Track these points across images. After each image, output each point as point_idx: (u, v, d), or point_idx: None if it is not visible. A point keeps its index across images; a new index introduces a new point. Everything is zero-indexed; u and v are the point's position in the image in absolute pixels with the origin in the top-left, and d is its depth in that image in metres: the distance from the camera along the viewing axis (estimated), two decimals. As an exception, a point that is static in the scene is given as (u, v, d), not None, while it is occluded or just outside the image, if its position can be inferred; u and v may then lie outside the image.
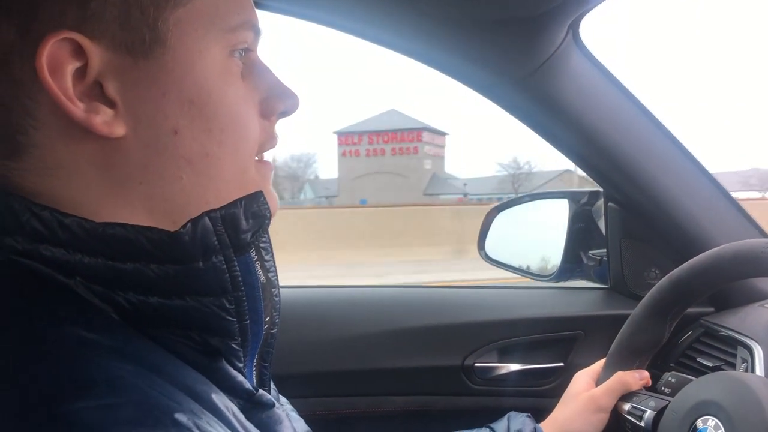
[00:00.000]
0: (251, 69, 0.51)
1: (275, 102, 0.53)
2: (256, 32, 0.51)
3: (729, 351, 0.97)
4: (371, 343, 1.17)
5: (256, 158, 0.52)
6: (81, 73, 0.43)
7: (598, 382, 0.91)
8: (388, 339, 1.18)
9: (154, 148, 0.45)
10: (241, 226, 0.47)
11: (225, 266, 0.46)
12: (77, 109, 0.43)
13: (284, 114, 0.54)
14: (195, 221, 0.45)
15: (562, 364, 1.19)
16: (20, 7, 0.42)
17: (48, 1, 0.42)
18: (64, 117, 0.43)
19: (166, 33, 0.45)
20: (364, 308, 1.24)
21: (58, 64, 0.42)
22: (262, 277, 0.52)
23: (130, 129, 0.45)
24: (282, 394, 0.73)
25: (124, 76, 0.44)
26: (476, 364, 1.18)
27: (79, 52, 0.43)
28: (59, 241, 0.43)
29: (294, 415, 0.72)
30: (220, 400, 0.45)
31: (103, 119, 0.44)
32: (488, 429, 0.89)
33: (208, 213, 0.45)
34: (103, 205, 0.45)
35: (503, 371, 1.19)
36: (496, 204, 1.44)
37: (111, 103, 0.44)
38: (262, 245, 0.53)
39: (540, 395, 1.18)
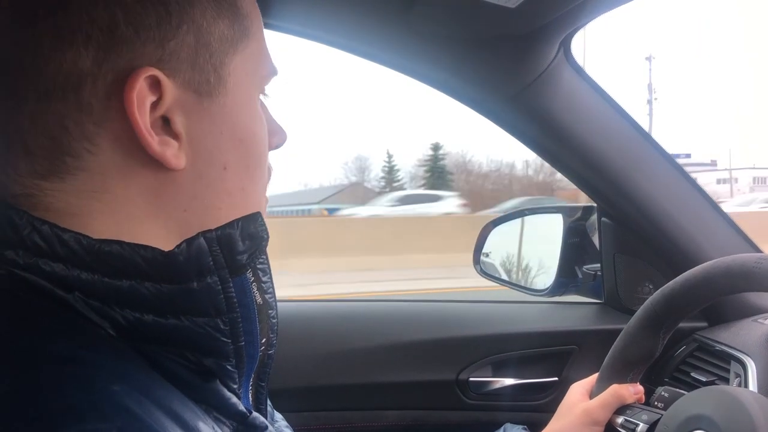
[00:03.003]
0: (263, 109, 0.55)
1: (273, 137, 0.57)
2: (276, 74, 0.55)
3: (722, 366, 0.98)
4: (365, 358, 1.17)
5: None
6: (153, 107, 0.45)
7: (592, 394, 0.91)
8: (383, 353, 1.18)
9: (205, 181, 0.48)
10: (237, 247, 0.47)
11: (220, 287, 0.46)
12: (153, 141, 0.45)
13: (275, 148, 0.58)
14: (190, 241, 0.45)
15: (556, 378, 1.19)
16: (100, 37, 0.43)
17: (132, 35, 0.43)
18: (127, 146, 0.44)
19: (227, 76, 0.48)
20: (358, 322, 1.24)
21: (142, 98, 0.44)
22: (259, 299, 0.52)
23: (189, 162, 0.47)
24: (276, 408, 0.73)
25: (189, 113, 0.47)
26: (471, 379, 1.18)
27: (155, 87, 0.44)
28: (58, 256, 0.43)
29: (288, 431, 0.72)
30: (207, 427, 0.44)
31: (173, 152, 0.46)
32: None
33: (204, 233, 0.46)
34: (138, 230, 0.46)
35: (498, 386, 1.19)
36: (492, 219, 1.45)
37: (175, 137, 0.46)
38: (259, 266, 0.52)
39: (535, 410, 1.18)
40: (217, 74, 0.47)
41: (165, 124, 0.46)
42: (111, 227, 0.45)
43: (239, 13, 0.49)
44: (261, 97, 0.55)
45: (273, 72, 0.54)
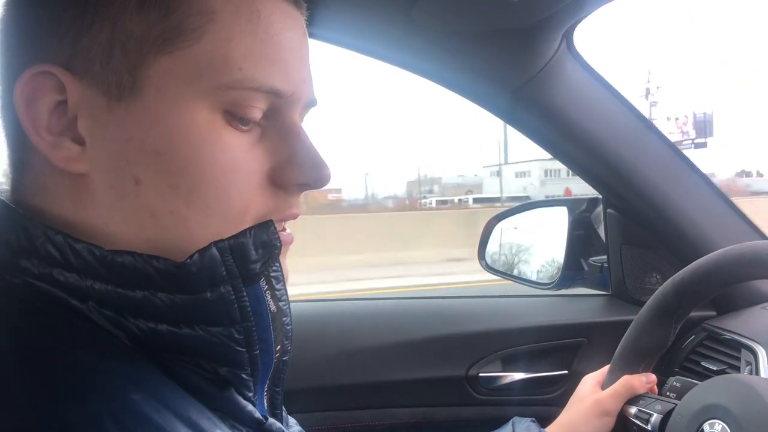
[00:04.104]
0: (271, 133, 0.48)
1: (293, 171, 0.49)
2: (275, 94, 0.47)
3: (733, 354, 0.97)
4: (375, 356, 1.17)
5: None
6: (59, 107, 0.44)
7: (604, 386, 0.91)
8: (392, 351, 1.17)
9: (117, 193, 0.45)
10: (250, 256, 0.46)
11: (233, 296, 0.45)
12: (41, 140, 0.44)
13: (306, 186, 0.50)
14: (202, 252, 0.44)
15: (566, 371, 1.19)
16: (29, 36, 0.44)
17: (46, 33, 0.43)
18: None
19: (144, 79, 0.43)
20: (366, 321, 1.24)
21: (34, 95, 0.43)
22: (273, 307, 0.51)
23: (93, 169, 0.45)
24: (287, 409, 0.73)
25: (96, 116, 0.44)
26: (480, 374, 1.18)
27: (61, 86, 0.43)
28: (72, 267, 0.43)
29: None
30: None
31: (65, 155, 0.44)
32: None
33: (216, 243, 0.45)
34: (83, 234, 0.45)
35: (508, 380, 1.19)
36: (496, 213, 1.45)
37: (82, 140, 0.45)
38: (272, 274, 0.50)
39: (545, 403, 1.18)
40: (131, 76, 0.43)
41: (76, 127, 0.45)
42: (65, 226, 0.45)
43: (176, 10, 0.44)
44: (296, 124, 0.50)
45: (247, 85, 0.45)
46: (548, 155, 1.16)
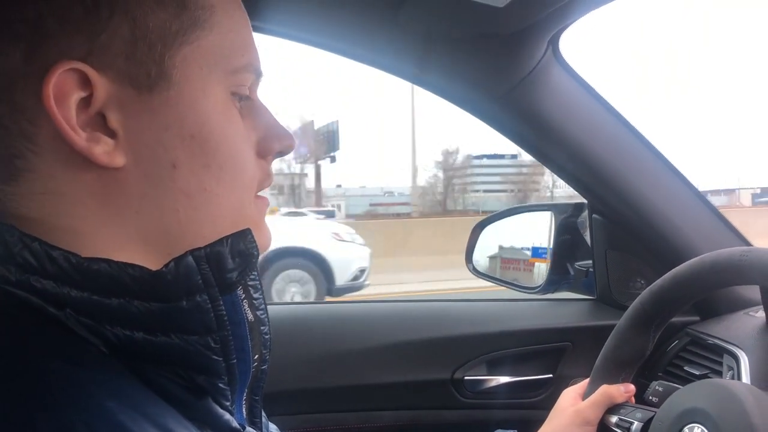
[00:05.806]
0: (250, 109, 0.52)
1: (272, 142, 0.54)
2: (258, 74, 0.52)
3: (715, 359, 0.98)
4: (360, 359, 1.17)
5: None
6: (85, 103, 0.44)
7: (585, 396, 0.91)
8: (377, 354, 1.18)
9: (152, 180, 0.46)
10: (227, 265, 0.46)
11: (210, 305, 0.45)
12: (79, 138, 0.43)
13: (280, 154, 0.55)
14: (178, 260, 0.45)
15: (550, 375, 1.20)
16: (28, 33, 0.42)
17: (58, 29, 0.42)
18: (65, 144, 0.43)
19: (171, 69, 0.45)
20: (352, 324, 1.24)
21: (64, 93, 0.42)
22: (251, 316, 0.51)
23: (129, 160, 0.45)
24: (270, 412, 0.72)
25: (127, 108, 0.45)
26: (466, 378, 1.18)
27: (85, 82, 0.43)
28: (48, 274, 0.43)
29: None
30: None
31: (104, 149, 0.44)
32: None
33: (192, 251, 0.45)
34: (98, 234, 0.45)
35: (493, 384, 1.19)
36: (483, 218, 1.45)
37: (112, 134, 0.45)
38: (250, 283, 0.51)
39: (530, 407, 1.18)
40: (159, 67, 0.45)
41: (103, 121, 0.44)
42: (69, 233, 0.45)
43: (188, 4, 0.47)
44: (260, 99, 0.54)
45: (248, 68, 0.51)
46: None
